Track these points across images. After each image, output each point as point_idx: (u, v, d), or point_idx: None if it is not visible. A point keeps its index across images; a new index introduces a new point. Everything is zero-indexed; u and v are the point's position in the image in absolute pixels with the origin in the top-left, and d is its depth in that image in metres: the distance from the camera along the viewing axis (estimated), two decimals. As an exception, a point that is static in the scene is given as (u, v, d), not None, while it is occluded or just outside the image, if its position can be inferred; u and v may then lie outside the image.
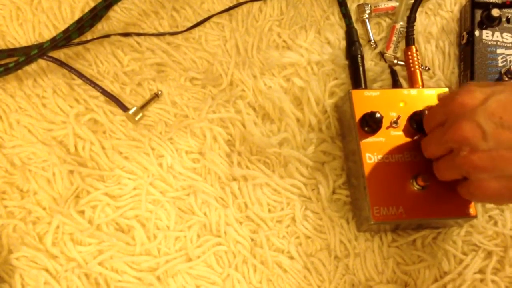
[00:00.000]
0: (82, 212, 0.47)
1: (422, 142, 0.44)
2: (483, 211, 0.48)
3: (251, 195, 0.47)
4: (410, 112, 0.46)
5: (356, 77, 0.51)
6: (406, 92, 0.47)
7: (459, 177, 0.40)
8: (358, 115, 0.45)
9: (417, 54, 0.51)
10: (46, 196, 0.47)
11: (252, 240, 0.47)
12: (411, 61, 0.51)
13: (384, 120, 0.45)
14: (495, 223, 0.48)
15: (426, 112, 0.44)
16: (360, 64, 0.51)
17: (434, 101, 0.47)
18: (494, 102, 0.37)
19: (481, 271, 0.47)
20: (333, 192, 0.48)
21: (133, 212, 0.47)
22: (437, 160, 0.42)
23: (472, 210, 0.44)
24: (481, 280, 0.46)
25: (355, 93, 0.46)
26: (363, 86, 0.50)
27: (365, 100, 0.46)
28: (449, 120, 0.39)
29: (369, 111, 0.45)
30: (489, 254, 0.47)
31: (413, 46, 0.51)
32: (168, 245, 0.46)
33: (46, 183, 0.47)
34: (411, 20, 0.52)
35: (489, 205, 0.48)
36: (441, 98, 0.44)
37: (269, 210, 0.48)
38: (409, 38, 0.52)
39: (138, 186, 0.47)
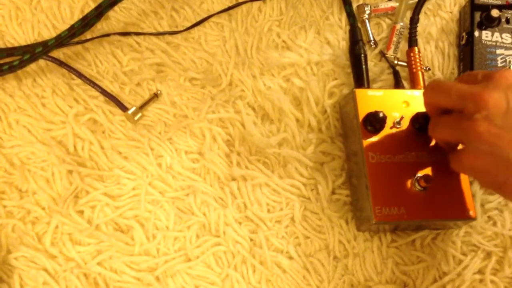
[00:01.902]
0: (81, 212, 0.47)
1: (439, 84, 0.41)
2: (482, 211, 0.48)
3: (250, 195, 0.47)
4: (413, 113, 0.46)
5: (359, 76, 0.51)
6: (409, 92, 0.47)
7: (452, 141, 0.39)
8: (362, 115, 0.45)
9: (419, 56, 0.51)
10: (45, 196, 0.47)
11: (251, 240, 0.47)
12: (413, 62, 0.51)
13: (387, 120, 0.45)
14: (494, 224, 0.48)
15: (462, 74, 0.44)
16: (363, 63, 0.51)
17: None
18: None
19: (480, 271, 0.47)
20: (333, 193, 0.48)
21: (132, 212, 0.47)
22: (441, 115, 0.41)
23: (471, 213, 0.44)
24: (480, 281, 0.46)
25: (359, 92, 0.46)
26: (366, 85, 0.50)
27: (369, 100, 0.46)
28: (484, 82, 0.38)
29: (372, 110, 0.45)
30: (488, 254, 0.47)
31: (416, 48, 0.51)
32: (167, 245, 0.46)
33: (45, 183, 0.47)
34: (414, 22, 0.52)
35: (488, 206, 0.49)
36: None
37: (268, 210, 0.48)
38: (411, 40, 0.52)
39: (137, 186, 0.47)
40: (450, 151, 0.41)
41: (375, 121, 0.44)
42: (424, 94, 0.43)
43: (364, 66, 0.51)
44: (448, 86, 0.40)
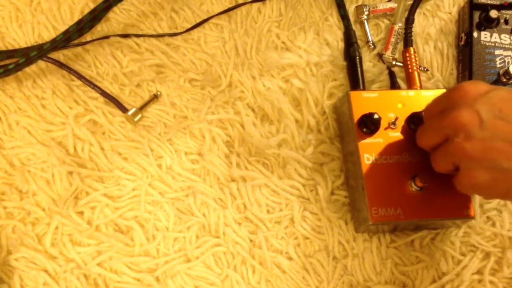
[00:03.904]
0: (81, 213, 0.47)
1: (418, 130, 0.43)
2: (481, 212, 0.48)
3: (250, 196, 0.48)
4: (408, 113, 0.46)
5: (355, 78, 0.51)
6: (404, 93, 0.47)
7: (452, 168, 0.40)
8: (356, 116, 0.46)
9: (415, 56, 0.51)
10: (45, 197, 0.47)
11: (251, 241, 0.47)
12: (409, 62, 0.51)
13: (382, 121, 0.45)
14: (493, 224, 0.48)
15: (423, 113, 0.44)
16: (358, 65, 0.51)
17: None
18: (496, 94, 0.37)
19: (479, 271, 0.47)
20: (332, 193, 0.48)
21: (132, 213, 0.47)
22: (434, 150, 0.42)
23: (470, 211, 0.44)
24: (479, 281, 0.46)
25: (354, 94, 0.47)
26: (361, 87, 0.50)
27: (363, 101, 0.46)
28: (449, 107, 0.39)
29: (367, 112, 0.45)
30: (487, 255, 0.47)
31: (411, 48, 0.52)
32: (167, 246, 0.46)
33: (45, 184, 0.47)
34: (409, 22, 0.52)
35: (487, 206, 0.49)
36: (443, 92, 0.44)
37: (268, 211, 0.48)
38: (407, 40, 0.52)
39: (137, 187, 0.48)
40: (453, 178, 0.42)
41: (370, 123, 0.45)
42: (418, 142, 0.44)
43: (359, 68, 0.51)
44: (425, 126, 0.42)
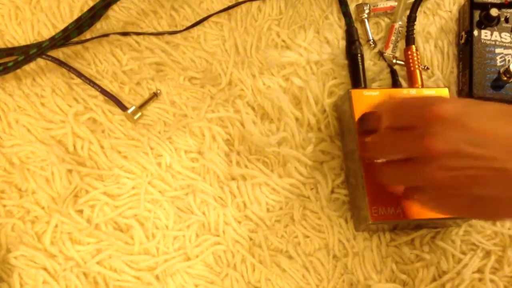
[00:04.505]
0: (80, 211, 0.47)
1: (375, 137, 0.41)
2: (481, 210, 0.48)
3: (250, 194, 0.47)
4: None
5: (356, 76, 0.51)
6: (406, 91, 0.47)
7: (408, 186, 0.40)
8: (357, 115, 0.45)
9: (417, 54, 0.51)
10: (45, 195, 0.47)
11: (250, 239, 0.47)
12: (411, 60, 0.51)
13: None
14: (494, 223, 0.48)
15: (383, 118, 0.41)
16: (360, 63, 0.51)
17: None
18: (472, 115, 0.35)
19: (480, 270, 0.47)
20: (332, 192, 0.48)
21: (132, 211, 0.47)
22: (388, 164, 0.41)
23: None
24: (480, 280, 0.46)
25: (355, 93, 0.46)
26: (362, 85, 0.50)
27: (365, 100, 0.46)
28: (421, 128, 0.36)
29: (368, 110, 0.45)
30: (487, 253, 0.47)
31: (413, 46, 0.51)
32: (166, 244, 0.46)
33: (45, 182, 0.47)
34: (411, 20, 0.52)
35: (487, 205, 0.49)
36: (409, 99, 0.41)
37: (268, 210, 0.48)
38: (409, 38, 0.52)
39: (137, 185, 0.47)
40: (410, 192, 0.41)
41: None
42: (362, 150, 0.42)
43: (360, 66, 0.51)
44: (388, 139, 0.40)
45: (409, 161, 0.38)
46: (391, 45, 0.53)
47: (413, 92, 0.47)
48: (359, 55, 0.52)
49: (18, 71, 0.51)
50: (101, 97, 0.50)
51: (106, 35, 0.53)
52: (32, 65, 0.51)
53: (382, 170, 0.42)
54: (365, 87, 0.50)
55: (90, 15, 0.50)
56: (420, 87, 0.50)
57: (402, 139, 0.38)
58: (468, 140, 0.35)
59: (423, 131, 0.36)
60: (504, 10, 0.52)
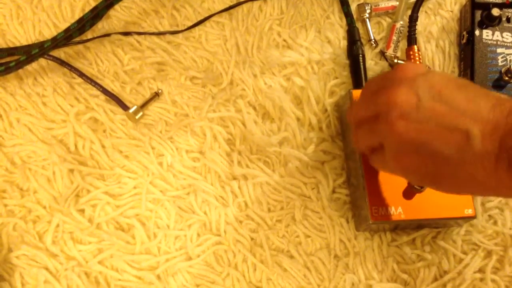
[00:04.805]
0: (82, 211, 0.47)
1: (350, 105, 0.41)
2: (483, 210, 0.48)
3: (251, 194, 0.48)
4: None
5: (357, 76, 0.51)
6: None
7: (376, 146, 0.38)
8: None
9: (419, 54, 0.51)
10: (46, 195, 0.47)
11: (252, 239, 0.47)
12: (412, 60, 0.51)
13: None
14: (495, 222, 0.48)
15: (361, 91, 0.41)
16: (361, 63, 0.51)
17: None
18: (436, 76, 0.35)
19: (481, 270, 0.47)
20: (333, 191, 0.48)
21: (133, 211, 0.47)
22: (360, 125, 0.39)
23: (471, 211, 0.44)
24: (481, 279, 0.46)
25: (356, 93, 0.46)
26: (364, 85, 0.50)
27: None
28: (386, 85, 0.36)
29: None
30: (489, 253, 0.47)
31: (415, 46, 0.51)
32: (168, 244, 0.46)
33: (46, 182, 0.47)
34: (413, 20, 0.52)
35: (489, 205, 0.48)
36: (369, 83, 0.41)
37: (269, 209, 0.48)
38: (411, 38, 0.52)
39: (138, 185, 0.47)
40: (372, 153, 0.40)
41: None
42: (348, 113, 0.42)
43: (362, 66, 0.51)
44: (357, 103, 0.40)
45: (374, 117, 0.37)
46: (392, 45, 0.53)
47: None
48: (360, 55, 0.52)
49: (20, 70, 0.51)
50: (102, 96, 0.51)
51: (108, 35, 0.53)
52: (33, 64, 0.51)
53: (355, 133, 0.40)
54: (367, 87, 0.50)
55: (92, 15, 0.50)
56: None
57: (369, 97, 0.38)
58: (432, 95, 0.34)
59: (389, 86, 0.36)
60: (505, 10, 0.52)
